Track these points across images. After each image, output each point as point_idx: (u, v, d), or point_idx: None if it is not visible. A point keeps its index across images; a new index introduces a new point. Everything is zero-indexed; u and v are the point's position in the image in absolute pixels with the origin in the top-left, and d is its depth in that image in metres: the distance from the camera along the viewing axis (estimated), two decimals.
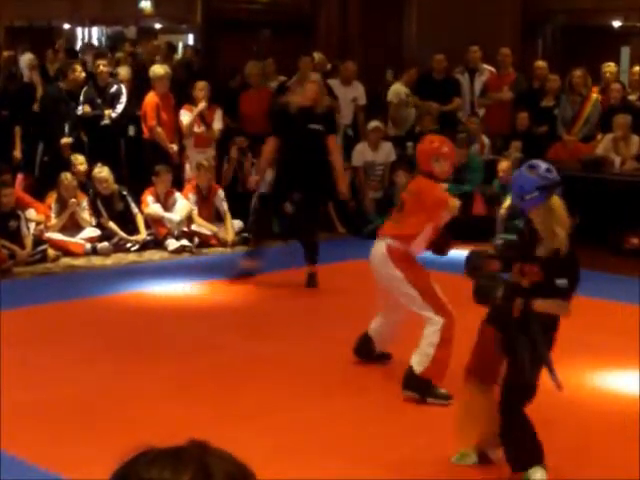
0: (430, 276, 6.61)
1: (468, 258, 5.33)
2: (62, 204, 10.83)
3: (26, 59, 12.56)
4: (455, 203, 6.60)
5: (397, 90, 13.40)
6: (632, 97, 12.94)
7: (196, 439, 1.45)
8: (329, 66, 13.65)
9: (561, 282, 4.91)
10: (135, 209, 11.16)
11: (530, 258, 4.99)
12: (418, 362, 6.39)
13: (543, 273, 4.95)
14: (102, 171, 11.05)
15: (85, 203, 10.99)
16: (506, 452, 5.12)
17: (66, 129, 11.64)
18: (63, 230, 10.80)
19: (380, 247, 6.63)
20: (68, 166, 11.18)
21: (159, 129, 11.76)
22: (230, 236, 11.35)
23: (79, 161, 11.31)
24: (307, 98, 9.25)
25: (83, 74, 12.01)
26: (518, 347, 4.94)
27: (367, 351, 7.06)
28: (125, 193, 11.18)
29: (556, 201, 4.99)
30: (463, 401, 5.44)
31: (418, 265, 6.67)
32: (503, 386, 5.05)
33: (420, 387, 6.38)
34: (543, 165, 5.07)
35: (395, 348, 6.99)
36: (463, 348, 7.56)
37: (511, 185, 5.33)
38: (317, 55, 13.73)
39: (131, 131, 12.11)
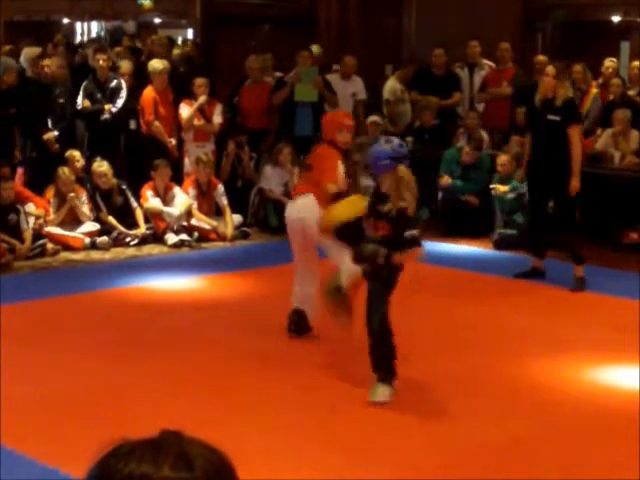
0: None
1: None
2: (60, 198, 10.83)
3: (27, 54, 12.54)
4: (332, 188, 7.24)
5: (392, 87, 13.37)
6: (632, 92, 12.93)
7: (169, 429, 1.44)
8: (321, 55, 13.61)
9: (409, 234, 5.89)
10: (134, 203, 11.16)
11: (379, 215, 6.04)
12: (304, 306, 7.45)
13: (392, 227, 5.96)
14: (101, 165, 11.05)
15: (84, 197, 10.99)
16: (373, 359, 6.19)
17: (49, 123, 11.63)
18: (62, 224, 10.80)
19: (308, 201, 7.31)
20: (58, 160, 11.15)
21: (156, 123, 11.75)
22: (229, 231, 11.34)
23: (75, 158, 11.30)
24: (545, 90, 9.23)
25: (55, 67, 12.02)
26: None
27: (303, 326, 7.56)
28: (124, 187, 11.18)
29: (404, 170, 6.06)
30: None
31: None
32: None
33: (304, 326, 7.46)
34: (396, 141, 6.27)
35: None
36: (458, 341, 7.58)
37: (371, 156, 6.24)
38: (315, 48, 13.72)
39: (132, 125, 12.10)
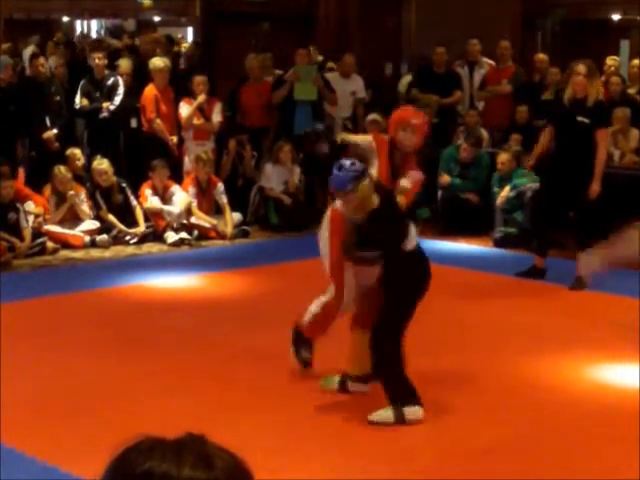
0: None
1: None
2: (58, 197, 10.83)
3: (29, 52, 12.54)
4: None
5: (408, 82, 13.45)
6: (631, 90, 12.93)
7: (193, 432, 1.45)
8: (320, 58, 13.59)
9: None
10: (134, 202, 11.15)
11: None
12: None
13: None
14: (102, 163, 11.05)
15: (83, 195, 10.99)
16: (383, 385, 5.89)
17: (47, 122, 11.63)
18: (62, 222, 10.80)
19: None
20: (57, 159, 11.16)
21: (158, 121, 11.75)
22: (229, 229, 11.35)
23: (76, 156, 11.31)
24: (575, 90, 9.05)
25: (46, 66, 12.02)
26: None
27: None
28: (124, 185, 11.17)
29: (363, 186, 5.76)
30: (351, 344, 6.29)
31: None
32: (372, 328, 5.86)
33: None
34: (347, 162, 5.84)
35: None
36: (458, 340, 7.57)
37: (333, 185, 6.00)
38: (311, 49, 13.70)
39: (133, 123, 12.10)
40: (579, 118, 8.96)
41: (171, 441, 1.41)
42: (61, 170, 10.79)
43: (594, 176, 8.98)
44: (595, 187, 9.00)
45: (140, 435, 1.43)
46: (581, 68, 9.08)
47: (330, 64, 13.57)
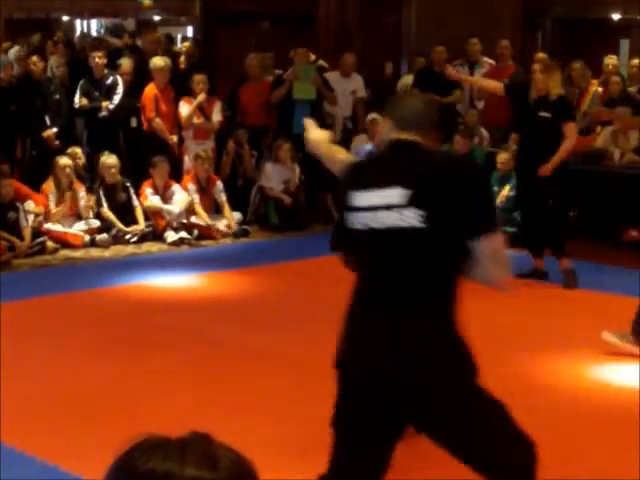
0: None
1: None
2: (60, 191, 10.81)
3: (13, 52, 12.51)
4: None
5: (407, 82, 13.43)
6: (631, 90, 12.93)
7: (199, 431, 1.45)
8: (313, 57, 13.55)
9: None
10: (136, 202, 11.15)
11: None
12: None
13: None
14: (110, 158, 11.07)
15: (83, 192, 11.00)
16: None
17: (47, 121, 11.63)
18: (62, 218, 10.79)
19: None
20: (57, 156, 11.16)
21: (157, 120, 11.75)
22: (232, 224, 11.36)
23: (77, 155, 11.31)
24: (536, 89, 9.05)
25: (55, 65, 12.01)
26: None
27: None
28: (128, 185, 11.18)
29: None
30: None
31: None
32: None
33: None
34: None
35: None
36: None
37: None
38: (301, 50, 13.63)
39: (133, 122, 12.10)
40: (541, 114, 8.98)
41: (175, 440, 1.41)
42: (62, 159, 10.79)
43: (553, 158, 8.99)
44: (548, 166, 8.98)
45: (144, 434, 1.42)
46: (536, 66, 9.20)
47: (320, 62, 13.53)
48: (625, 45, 16.70)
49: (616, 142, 11.80)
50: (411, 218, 3.38)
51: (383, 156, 3.71)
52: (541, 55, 13.44)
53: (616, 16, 15.80)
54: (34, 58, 12.12)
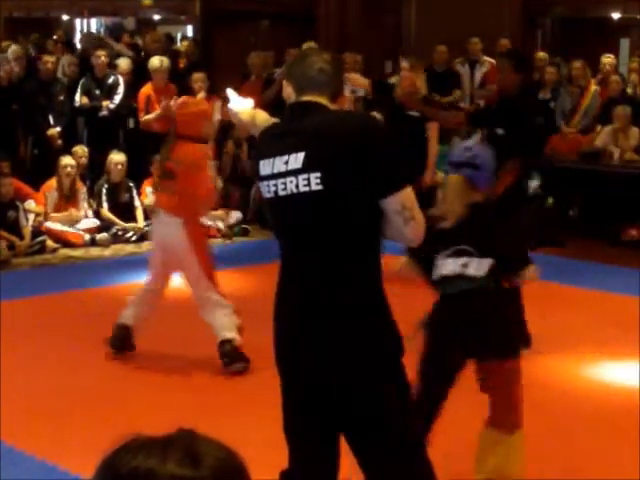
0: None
1: None
2: (61, 191, 10.82)
3: (11, 51, 12.51)
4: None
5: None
6: (630, 89, 12.94)
7: (184, 427, 1.44)
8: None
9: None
10: (137, 202, 11.15)
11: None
12: (232, 334, 6.55)
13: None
14: (118, 155, 11.09)
15: (84, 192, 11.01)
16: None
17: (51, 120, 11.63)
18: (62, 219, 10.80)
19: (175, 224, 6.50)
20: (61, 156, 11.17)
21: (144, 118, 11.71)
22: (228, 227, 11.37)
23: (79, 154, 11.31)
24: (403, 86, 9.04)
25: (52, 66, 12.01)
26: None
27: (127, 344, 6.91)
28: (132, 185, 11.19)
29: (452, 178, 4.74)
30: None
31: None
32: None
33: (240, 356, 6.56)
34: (465, 144, 5.16)
35: None
36: None
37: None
38: (307, 45, 13.64)
39: (131, 123, 12.09)
40: (410, 112, 8.94)
41: (160, 438, 1.40)
42: (67, 160, 10.81)
43: (427, 167, 9.08)
44: (427, 178, 9.05)
45: (130, 434, 1.42)
46: (404, 63, 9.23)
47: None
48: (625, 44, 16.70)
49: (616, 141, 11.80)
50: (310, 181, 3.28)
51: (284, 121, 3.57)
52: (542, 54, 13.45)
53: (616, 15, 15.80)
54: (47, 58, 12.13)
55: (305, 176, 3.30)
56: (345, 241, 3.35)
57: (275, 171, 3.38)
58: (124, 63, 12.51)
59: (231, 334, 6.58)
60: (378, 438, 3.43)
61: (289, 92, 3.50)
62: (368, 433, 3.42)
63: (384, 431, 3.42)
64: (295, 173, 3.32)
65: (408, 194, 3.33)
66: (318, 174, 3.27)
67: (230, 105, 4.44)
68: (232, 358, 6.56)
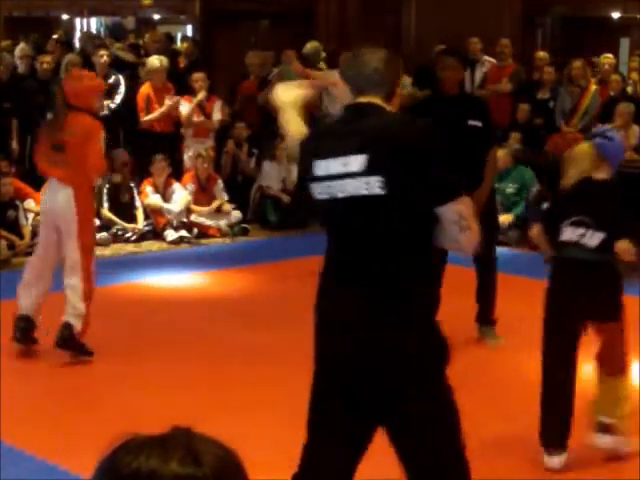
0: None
1: None
2: None
3: (18, 50, 12.50)
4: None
5: (403, 82, 13.38)
6: (629, 89, 12.95)
7: (181, 426, 1.44)
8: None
9: None
10: (138, 202, 11.14)
11: None
12: (75, 322, 6.67)
13: None
14: (124, 154, 11.10)
15: None
16: None
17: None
18: None
19: (65, 192, 6.64)
20: None
21: (144, 118, 11.70)
22: (229, 227, 11.37)
23: None
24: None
25: (50, 66, 12.02)
26: None
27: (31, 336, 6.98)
28: (133, 185, 11.18)
29: (582, 147, 5.52)
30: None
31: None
32: None
33: (78, 346, 6.67)
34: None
35: None
36: (458, 337, 7.56)
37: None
38: (309, 45, 13.61)
39: (130, 123, 12.09)
40: (470, 122, 8.77)
41: (158, 437, 1.40)
42: None
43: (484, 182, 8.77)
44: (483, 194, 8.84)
45: (128, 434, 1.42)
46: (450, 61, 8.98)
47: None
48: (625, 44, 16.71)
49: None
50: (371, 185, 3.27)
51: (341, 122, 3.55)
52: (542, 54, 13.45)
53: (616, 15, 15.81)
54: (43, 58, 12.13)
55: (366, 179, 3.28)
56: (401, 245, 3.35)
57: (332, 172, 3.36)
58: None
59: (76, 321, 6.75)
60: (426, 434, 3.45)
61: (346, 92, 3.50)
62: (416, 429, 3.43)
63: (433, 427, 3.44)
64: (355, 176, 3.30)
65: (466, 202, 3.33)
66: (380, 178, 3.26)
67: (276, 92, 4.06)
68: (67, 344, 6.71)
